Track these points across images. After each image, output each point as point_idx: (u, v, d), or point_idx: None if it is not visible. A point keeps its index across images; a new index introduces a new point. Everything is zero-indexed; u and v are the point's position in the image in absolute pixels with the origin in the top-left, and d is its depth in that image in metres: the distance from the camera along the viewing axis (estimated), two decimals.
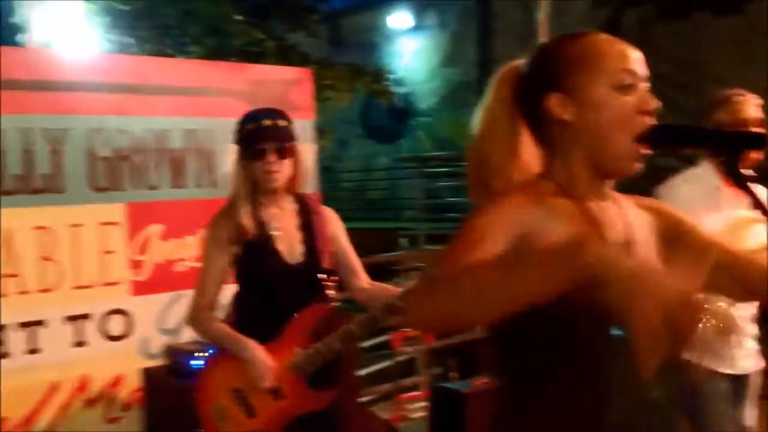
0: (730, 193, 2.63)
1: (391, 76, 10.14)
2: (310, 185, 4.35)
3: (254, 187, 2.56)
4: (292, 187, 2.62)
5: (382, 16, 15.26)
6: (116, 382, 3.70)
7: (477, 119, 1.44)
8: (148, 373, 3.54)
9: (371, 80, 8.68)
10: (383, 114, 15.15)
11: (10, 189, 3.45)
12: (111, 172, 3.73)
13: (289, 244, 2.59)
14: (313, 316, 2.58)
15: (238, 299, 2.66)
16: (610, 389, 1.28)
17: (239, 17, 7.32)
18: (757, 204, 1.24)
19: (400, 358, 5.48)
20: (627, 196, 1.45)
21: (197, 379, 2.63)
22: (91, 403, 3.63)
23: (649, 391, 1.29)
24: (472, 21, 13.75)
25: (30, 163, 3.50)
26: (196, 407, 2.55)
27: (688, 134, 1.33)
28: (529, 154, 1.42)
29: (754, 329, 2.85)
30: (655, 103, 1.32)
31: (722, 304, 2.43)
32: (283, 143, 2.53)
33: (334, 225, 2.75)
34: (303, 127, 4.37)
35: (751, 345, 2.84)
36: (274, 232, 2.57)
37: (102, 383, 3.66)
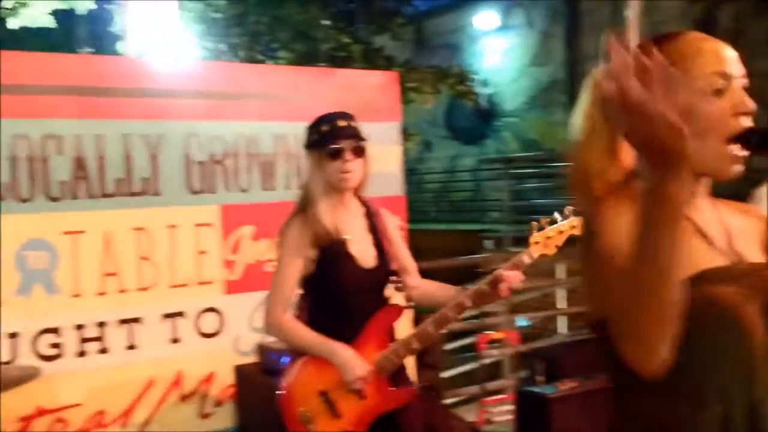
0: None
1: (477, 77, 10.10)
2: (396, 187, 4.40)
3: (328, 189, 2.58)
4: (358, 188, 2.65)
5: (468, 17, 15.21)
6: (209, 378, 3.82)
7: (574, 123, 1.44)
8: (240, 371, 3.64)
9: (455, 82, 8.68)
10: (468, 115, 15.08)
11: (112, 192, 3.61)
12: (205, 175, 3.86)
13: (362, 248, 2.61)
14: (391, 316, 2.62)
15: (309, 302, 2.67)
16: (725, 386, 1.25)
17: (326, 22, 7.44)
18: None
19: (487, 361, 5.46)
20: (724, 201, 1.42)
21: (282, 383, 2.65)
22: (185, 398, 3.76)
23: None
24: (560, 19, 13.54)
25: (130, 167, 3.66)
26: (283, 411, 2.58)
27: None
28: (628, 154, 1.41)
29: None
30: (751, 104, 1.28)
31: None
32: (358, 142, 2.57)
33: (391, 225, 2.76)
34: (390, 130, 4.44)
35: None
36: (347, 236, 2.59)
37: (196, 379, 3.79)
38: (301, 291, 2.68)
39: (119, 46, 6.12)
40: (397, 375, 2.61)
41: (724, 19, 8.55)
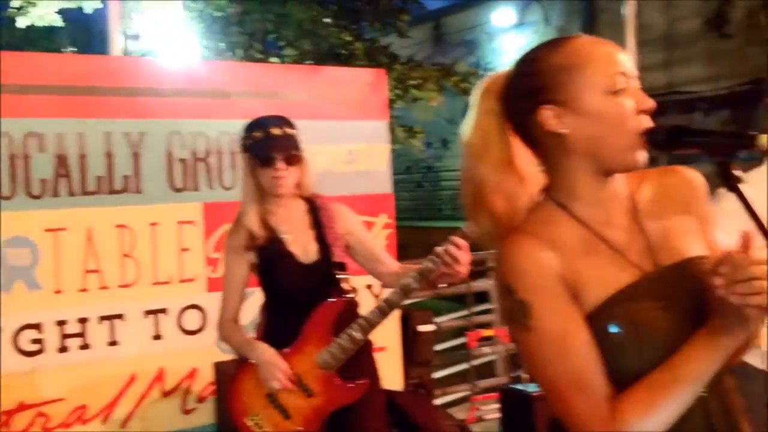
0: None
1: (488, 74, 10.05)
2: (384, 185, 4.40)
3: (262, 192, 2.59)
4: (299, 191, 2.65)
5: (485, 14, 15.17)
6: (191, 375, 3.84)
7: (465, 134, 1.40)
8: (218, 368, 3.66)
9: (459, 80, 8.62)
10: None
11: (94, 189, 3.65)
12: (188, 173, 3.88)
13: (302, 245, 2.62)
14: (331, 310, 2.58)
15: (265, 306, 2.71)
16: None
17: (329, 20, 7.44)
18: (747, 208, 1.18)
19: (482, 360, 5.44)
20: (650, 180, 1.39)
21: (229, 389, 2.66)
22: (167, 394, 3.79)
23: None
24: (577, 16, 13.46)
25: (111, 165, 3.69)
26: (231, 417, 2.58)
27: (681, 134, 1.28)
28: (525, 162, 1.39)
29: None
30: (651, 103, 1.28)
31: None
32: (291, 152, 2.55)
33: (347, 219, 2.73)
34: (377, 128, 4.43)
35: None
36: (284, 235, 2.60)
37: (178, 376, 3.81)
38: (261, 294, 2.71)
39: (124, 45, 6.16)
40: (354, 369, 2.58)
41: (736, 16, 8.42)
